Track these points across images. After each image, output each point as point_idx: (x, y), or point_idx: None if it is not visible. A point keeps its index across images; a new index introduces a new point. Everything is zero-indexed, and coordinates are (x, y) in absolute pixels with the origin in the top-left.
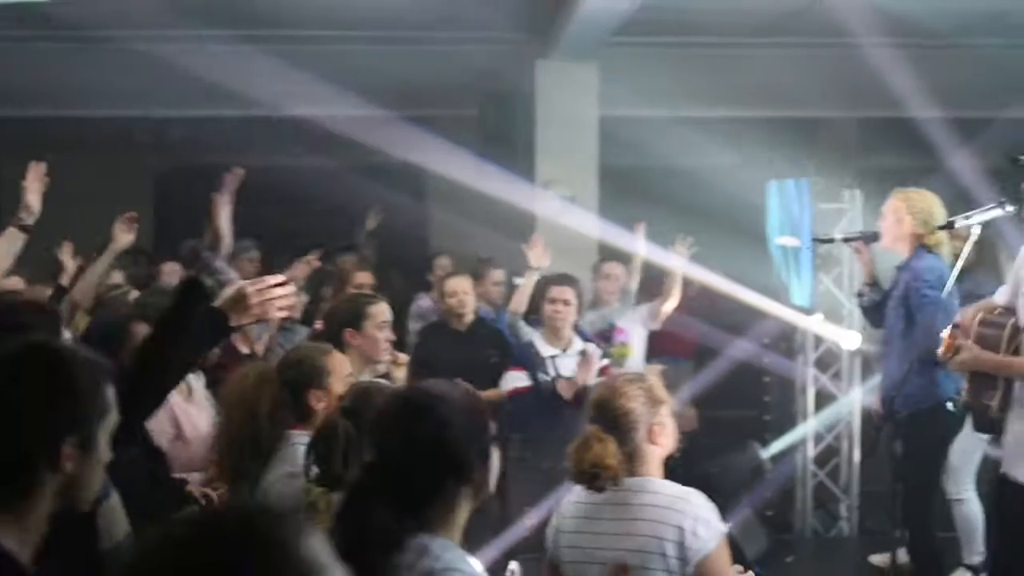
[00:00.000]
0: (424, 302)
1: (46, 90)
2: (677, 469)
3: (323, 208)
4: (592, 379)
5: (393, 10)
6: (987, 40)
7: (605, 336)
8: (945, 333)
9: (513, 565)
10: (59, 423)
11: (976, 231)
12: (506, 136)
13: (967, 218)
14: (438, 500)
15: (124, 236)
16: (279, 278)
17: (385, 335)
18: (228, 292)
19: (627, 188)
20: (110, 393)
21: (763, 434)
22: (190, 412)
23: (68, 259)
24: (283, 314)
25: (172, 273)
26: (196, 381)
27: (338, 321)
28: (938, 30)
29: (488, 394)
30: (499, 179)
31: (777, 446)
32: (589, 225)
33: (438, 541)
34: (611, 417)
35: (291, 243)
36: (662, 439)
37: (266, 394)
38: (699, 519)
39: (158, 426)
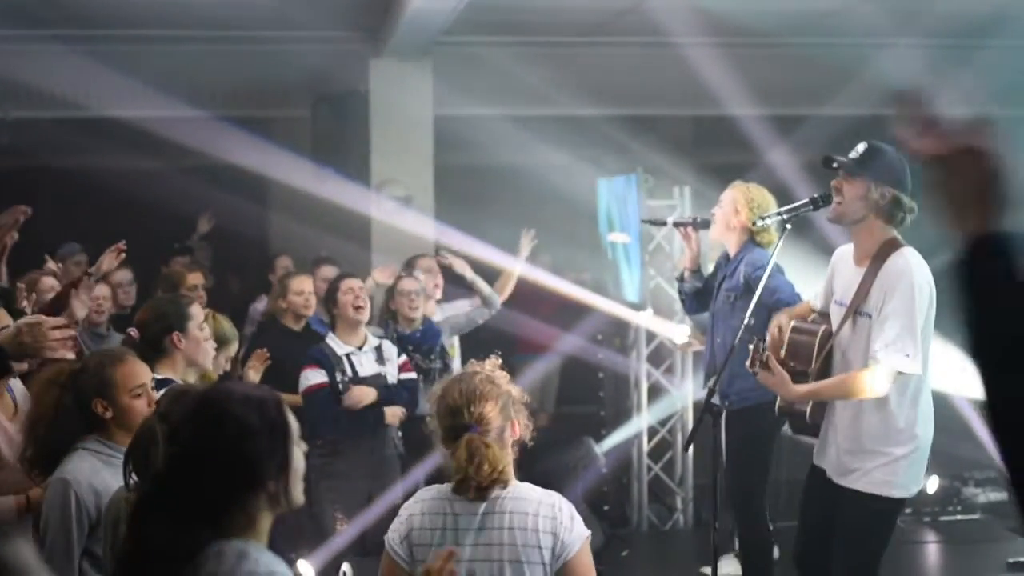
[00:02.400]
0: (262, 304)
1: None
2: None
3: (154, 211)
4: (394, 376)
5: (224, 9)
6: (804, 39)
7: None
8: (751, 344)
9: (345, 567)
10: None
11: (786, 227)
12: (340, 137)
13: (779, 214)
14: (235, 508)
15: None
16: (58, 320)
17: (205, 335)
18: (8, 331)
19: (463, 188)
20: None
21: (599, 429)
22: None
23: None
24: (64, 354)
25: None
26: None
27: (161, 326)
28: (757, 29)
29: (291, 398)
30: (334, 181)
31: (612, 441)
32: (425, 226)
33: (252, 544)
34: (480, 421)
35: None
36: (519, 427)
37: (59, 399)
38: (569, 522)
39: None
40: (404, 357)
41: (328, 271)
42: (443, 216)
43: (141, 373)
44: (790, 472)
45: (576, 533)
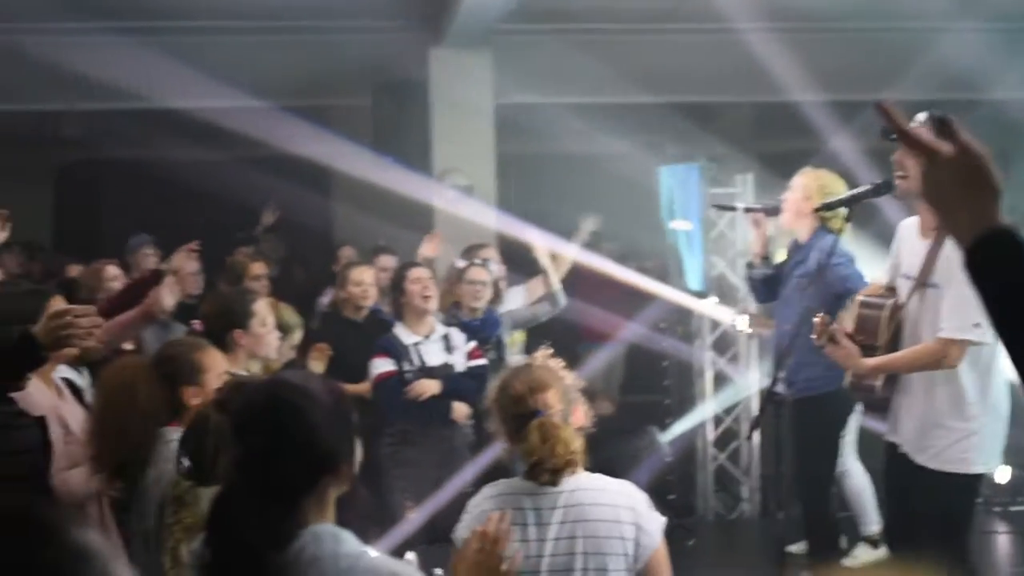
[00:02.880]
0: (327, 297)
1: None
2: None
3: (219, 202)
4: (462, 365)
5: (284, 0)
6: (867, 24)
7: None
8: (817, 318)
9: (410, 556)
10: None
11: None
12: (401, 126)
13: (841, 201)
14: (311, 494)
15: None
16: (88, 308)
17: (268, 328)
18: (42, 321)
19: (524, 176)
20: None
21: (663, 418)
22: (73, 411)
23: None
24: (90, 343)
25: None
26: (81, 379)
27: (224, 322)
28: (819, 14)
29: (356, 387)
30: (396, 171)
31: (676, 430)
32: (486, 214)
33: (328, 528)
34: (544, 406)
35: (187, 238)
36: (580, 415)
37: (142, 391)
38: (648, 512)
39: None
40: (473, 344)
41: (387, 260)
42: (504, 205)
43: (222, 359)
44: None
45: (656, 523)
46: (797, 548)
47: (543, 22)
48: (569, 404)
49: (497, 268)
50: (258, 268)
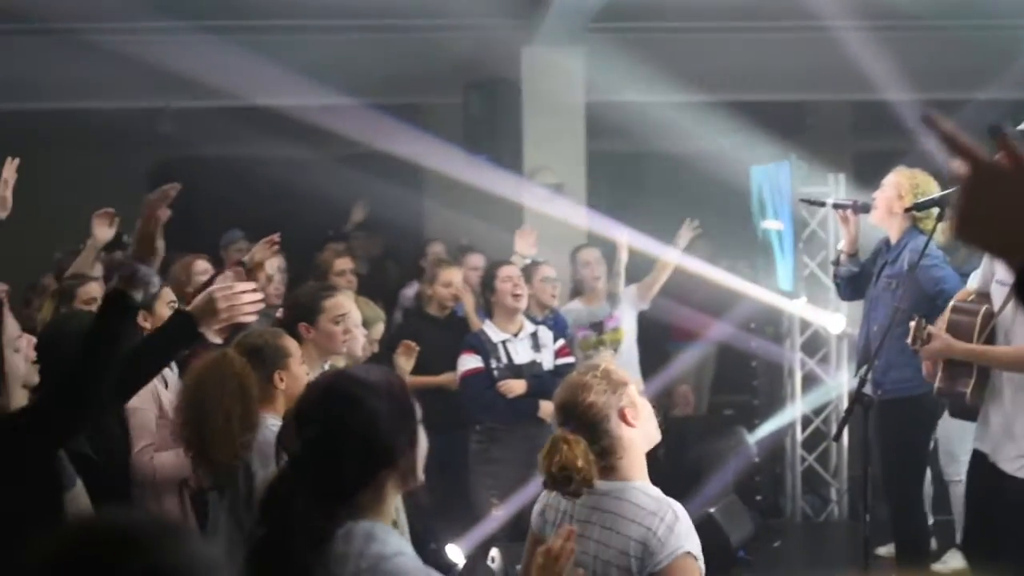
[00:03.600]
0: (412, 290)
1: (35, 85)
2: (663, 456)
3: (310, 199)
4: (550, 363)
5: None
6: (962, 22)
7: (596, 325)
8: (913, 321)
9: (494, 552)
10: None
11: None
12: (492, 124)
13: (934, 200)
14: (367, 488)
15: (103, 231)
16: (249, 284)
17: (343, 327)
18: (199, 298)
19: (615, 175)
20: None
21: (752, 418)
22: (167, 395)
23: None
24: (251, 319)
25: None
26: (171, 373)
27: (294, 314)
28: (914, 12)
29: (442, 378)
30: (487, 168)
31: (765, 430)
32: (577, 213)
33: (379, 526)
34: (577, 414)
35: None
36: (637, 420)
37: (232, 378)
38: (665, 534)
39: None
40: (562, 342)
41: (476, 259)
42: (595, 203)
43: (297, 345)
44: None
45: (669, 546)
46: (886, 551)
47: (635, 20)
48: (611, 408)
49: (584, 268)
50: (343, 263)
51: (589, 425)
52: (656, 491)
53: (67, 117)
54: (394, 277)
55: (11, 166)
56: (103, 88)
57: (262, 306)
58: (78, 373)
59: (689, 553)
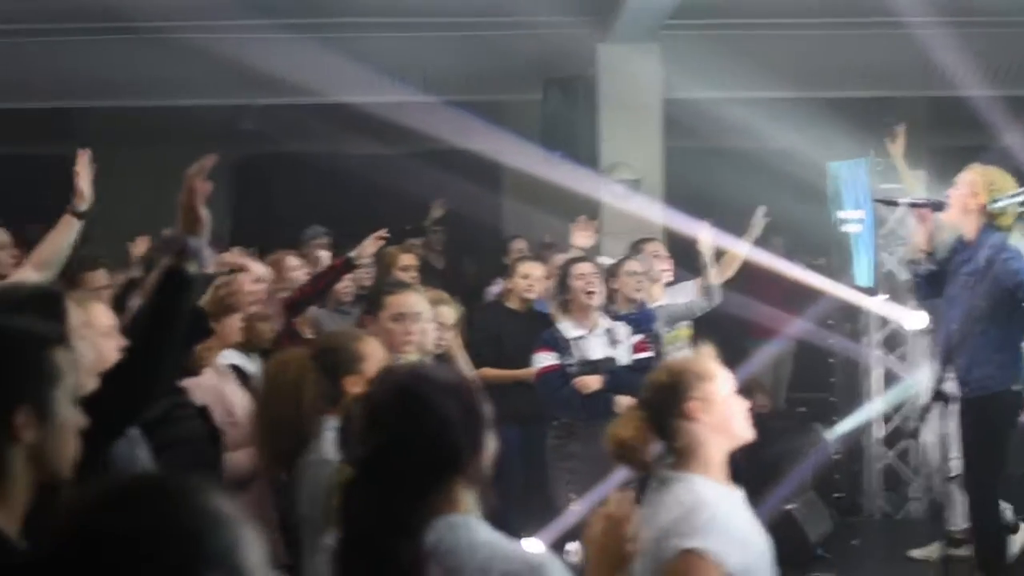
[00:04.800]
0: (497, 287)
1: (122, 83)
2: (740, 453)
3: (390, 196)
4: (626, 358)
5: None
6: None
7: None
8: None
9: (571, 547)
10: (2, 394)
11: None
12: (569, 121)
13: (1014, 196)
14: (438, 489)
15: None
16: (256, 273)
17: (403, 327)
18: (207, 294)
19: (692, 171)
20: (59, 358)
21: (830, 415)
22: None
23: (139, 251)
24: (252, 309)
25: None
26: (251, 364)
27: (362, 308)
28: (993, 8)
29: (521, 372)
30: (564, 165)
31: (843, 428)
32: (654, 209)
33: (471, 517)
34: (649, 394)
35: (360, 230)
36: (702, 415)
37: (308, 380)
38: (682, 526)
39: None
40: (640, 336)
41: (561, 259)
42: (672, 200)
43: (381, 349)
44: None
45: (672, 543)
46: (965, 549)
47: (711, 16)
48: (676, 399)
49: (653, 260)
50: (407, 259)
51: (653, 408)
52: (710, 490)
53: (152, 114)
54: (471, 273)
55: (83, 158)
56: (188, 85)
57: (262, 296)
58: (138, 354)
59: (694, 551)
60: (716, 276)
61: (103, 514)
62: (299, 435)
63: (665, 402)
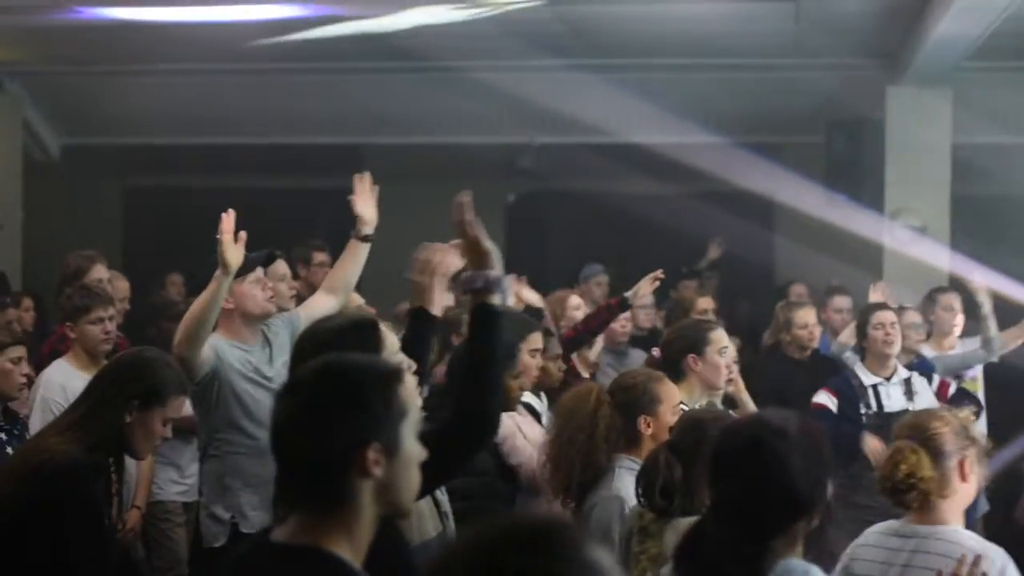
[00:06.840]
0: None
1: (405, 119)
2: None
3: (666, 235)
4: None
5: (740, 38)
6: None
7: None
8: None
9: None
10: (354, 431)
11: None
12: (854, 164)
13: None
14: (784, 532)
15: (455, 260)
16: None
17: (726, 361)
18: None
19: (980, 218)
20: (405, 394)
21: None
22: (532, 431)
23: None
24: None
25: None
26: (540, 404)
27: (678, 347)
28: None
29: None
30: (846, 208)
31: None
32: (940, 257)
33: (797, 563)
34: (923, 437)
35: (635, 269)
36: (971, 477)
37: (602, 417)
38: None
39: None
40: (951, 380)
41: (841, 302)
42: (959, 247)
43: (677, 392)
44: None
45: None
46: None
47: (1007, 59)
48: (956, 452)
49: (943, 313)
50: (705, 303)
51: (930, 450)
52: (977, 536)
53: (432, 150)
54: (745, 314)
55: (362, 183)
56: (469, 122)
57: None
58: (474, 391)
59: None
60: (995, 328)
61: (512, 553)
62: (590, 467)
63: (946, 448)
